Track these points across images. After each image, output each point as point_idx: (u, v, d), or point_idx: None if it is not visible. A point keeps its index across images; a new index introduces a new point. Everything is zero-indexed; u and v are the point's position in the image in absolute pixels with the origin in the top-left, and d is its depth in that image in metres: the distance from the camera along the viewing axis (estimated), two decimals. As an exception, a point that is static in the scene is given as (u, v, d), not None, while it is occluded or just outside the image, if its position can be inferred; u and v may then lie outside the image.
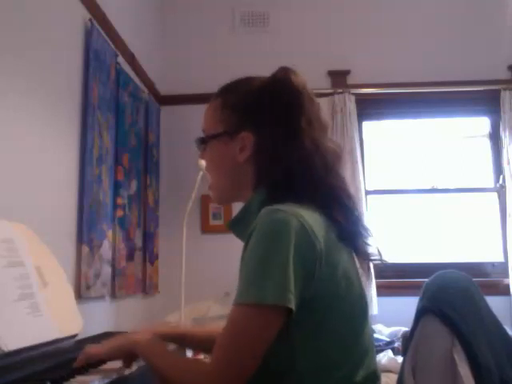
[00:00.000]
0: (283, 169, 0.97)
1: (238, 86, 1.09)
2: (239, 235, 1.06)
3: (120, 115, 2.53)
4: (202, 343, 1.21)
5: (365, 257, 1.02)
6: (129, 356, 1.08)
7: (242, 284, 0.89)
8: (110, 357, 1.09)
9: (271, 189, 0.98)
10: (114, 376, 1.08)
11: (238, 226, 1.06)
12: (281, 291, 0.84)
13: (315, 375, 0.90)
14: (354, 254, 1.01)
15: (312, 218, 0.91)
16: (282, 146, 0.98)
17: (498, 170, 3.29)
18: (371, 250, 1.02)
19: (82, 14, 2.14)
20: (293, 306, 0.85)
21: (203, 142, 1.10)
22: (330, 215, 0.95)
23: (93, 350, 1.08)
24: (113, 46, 2.44)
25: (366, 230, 1.01)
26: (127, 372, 1.12)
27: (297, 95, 1.01)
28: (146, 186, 2.96)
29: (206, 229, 3.25)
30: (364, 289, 1.00)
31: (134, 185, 2.73)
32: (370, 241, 1.01)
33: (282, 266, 0.85)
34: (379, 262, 1.04)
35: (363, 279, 1.01)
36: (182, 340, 1.22)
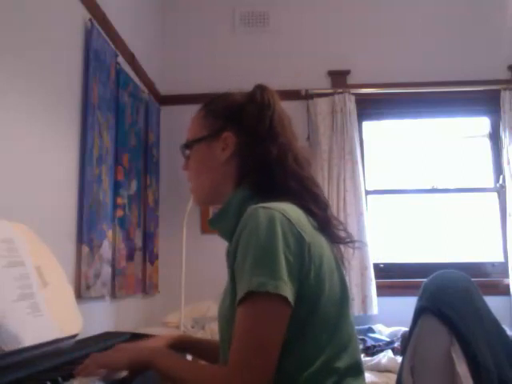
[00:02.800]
0: (263, 163, 1.05)
1: (219, 97, 1.18)
2: (219, 232, 1.12)
3: (120, 115, 2.54)
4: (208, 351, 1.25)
5: (339, 241, 1.08)
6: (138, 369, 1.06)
7: (240, 283, 0.90)
8: (119, 370, 1.06)
9: (254, 183, 1.05)
10: (114, 377, 1.08)
11: (218, 223, 1.11)
12: (278, 281, 0.87)
13: (297, 367, 0.92)
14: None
15: (294, 212, 0.97)
16: (260, 144, 1.07)
17: (498, 170, 3.29)
18: (343, 234, 1.08)
19: (82, 14, 2.14)
20: (291, 298, 0.88)
21: (187, 147, 1.17)
22: (306, 207, 1.02)
23: (101, 360, 1.04)
24: (113, 45, 2.45)
25: (335, 217, 1.09)
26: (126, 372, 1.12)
27: (269, 105, 1.10)
28: (145, 185, 2.97)
29: (205, 229, 3.24)
30: (344, 274, 1.04)
31: (134, 185, 2.73)
32: (340, 227, 1.08)
33: (276, 258, 0.88)
34: (353, 244, 1.10)
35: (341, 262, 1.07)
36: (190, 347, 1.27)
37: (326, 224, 1.05)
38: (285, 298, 0.87)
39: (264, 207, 0.94)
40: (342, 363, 0.93)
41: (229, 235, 1.07)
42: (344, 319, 0.98)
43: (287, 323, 0.89)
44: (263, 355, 0.86)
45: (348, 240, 1.09)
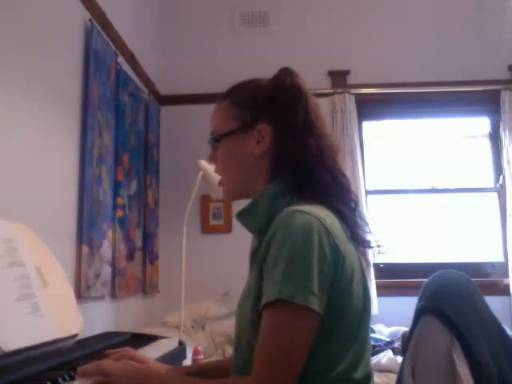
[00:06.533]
0: (302, 157, 1.00)
1: (245, 85, 1.10)
2: (246, 225, 1.06)
3: (120, 115, 2.54)
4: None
5: (364, 244, 1.04)
6: None
7: (269, 286, 0.87)
8: None
9: (288, 178, 1.00)
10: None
11: (245, 216, 1.05)
12: (308, 294, 0.84)
13: (318, 374, 0.90)
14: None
15: (331, 219, 0.93)
16: (298, 136, 1.01)
17: (498, 170, 3.29)
18: (369, 236, 1.04)
19: (82, 14, 2.14)
20: (320, 309, 0.85)
21: (217, 140, 1.09)
22: (338, 208, 0.97)
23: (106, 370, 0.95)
24: (113, 46, 2.45)
25: (361, 218, 1.04)
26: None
27: (301, 92, 1.04)
28: (145, 185, 2.97)
29: (205, 229, 3.25)
30: (367, 281, 1.00)
31: (134, 185, 2.73)
32: (366, 228, 1.04)
33: (309, 267, 0.85)
34: (378, 249, 1.06)
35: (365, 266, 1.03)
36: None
37: (353, 226, 1.01)
38: (313, 310, 0.84)
39: (301, 211, 0.90)
40: (357, 374, 0.92)
41: (256, 231, 1.02)
42: (363, 329, 0.96)
43: (314, 333, 0.86)
44: (288, 365, 0.85)
45: (375, 244, 1.05)
